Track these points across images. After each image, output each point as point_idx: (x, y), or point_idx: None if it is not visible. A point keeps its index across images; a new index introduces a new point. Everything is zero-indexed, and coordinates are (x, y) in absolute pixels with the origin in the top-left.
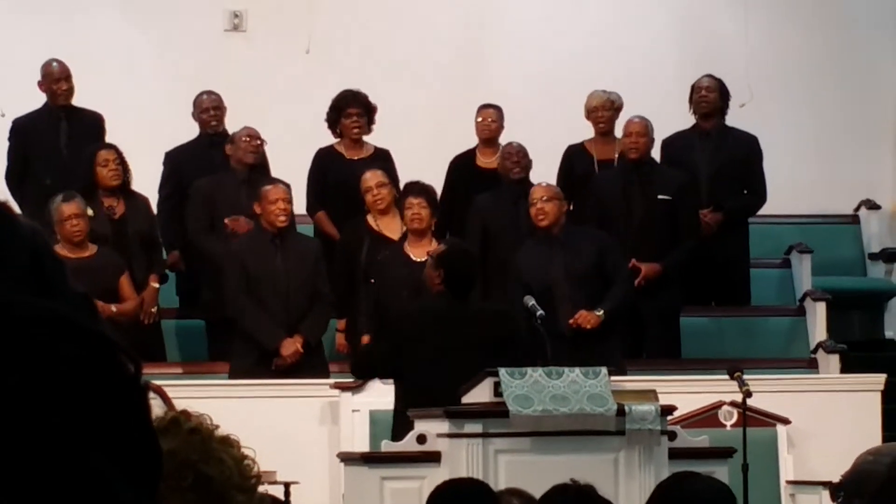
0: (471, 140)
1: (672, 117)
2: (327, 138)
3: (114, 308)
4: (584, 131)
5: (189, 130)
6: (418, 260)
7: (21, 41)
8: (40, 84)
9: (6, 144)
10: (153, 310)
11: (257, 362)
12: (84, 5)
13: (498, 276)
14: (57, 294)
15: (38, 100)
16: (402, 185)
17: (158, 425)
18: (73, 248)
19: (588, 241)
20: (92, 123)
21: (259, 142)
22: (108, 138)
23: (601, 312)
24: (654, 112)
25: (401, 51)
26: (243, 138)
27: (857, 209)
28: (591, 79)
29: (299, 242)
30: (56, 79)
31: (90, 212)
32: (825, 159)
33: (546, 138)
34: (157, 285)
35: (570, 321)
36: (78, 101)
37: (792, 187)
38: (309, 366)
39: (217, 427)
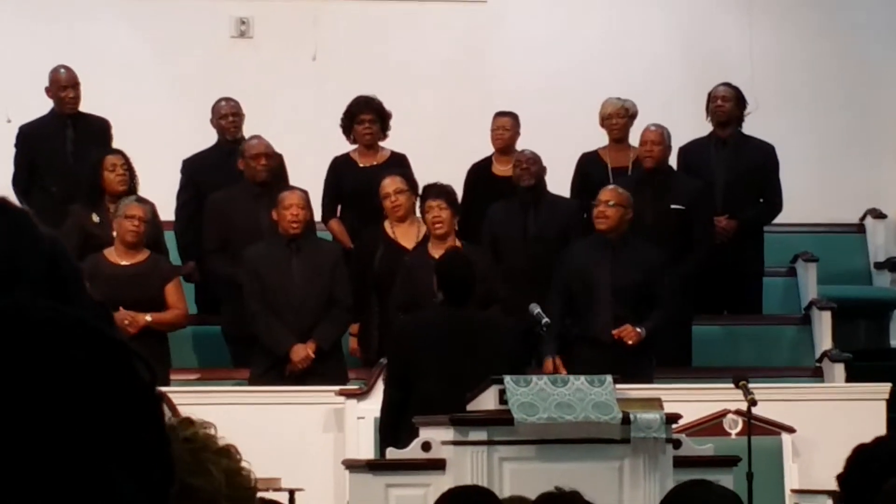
0: (478, 147)
1: (678, 125)
2: (334, 145)
3: (149, 318)
4: (591, 138)
5: (195, 136)
6: None
7: (28, 48)
8: (47, 91)
9: (12, 151)
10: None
11: (272, 368)
12: (91, 12)
13: (508, 285)
14: (73, 301)
15: (45, 106)
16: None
17: None
18: (124, 254)
19: (641, 256)
20: (99, 129)
21: (266, 163)
22: (115, 145)
23: (642, 330)
24: (660, 120)
25: (407, 57)
26: (251, 162)
27: (863, 218)
28: (595, 87)
29: (317, 248)
30: (63, 86)
31: (96, 218)
32: (831, 168)
33: (551, 146)
34: None
35: (614, 332)
36: (85, 107)
37: (798, 196)
38: (326, 372)
39: (214, 437)
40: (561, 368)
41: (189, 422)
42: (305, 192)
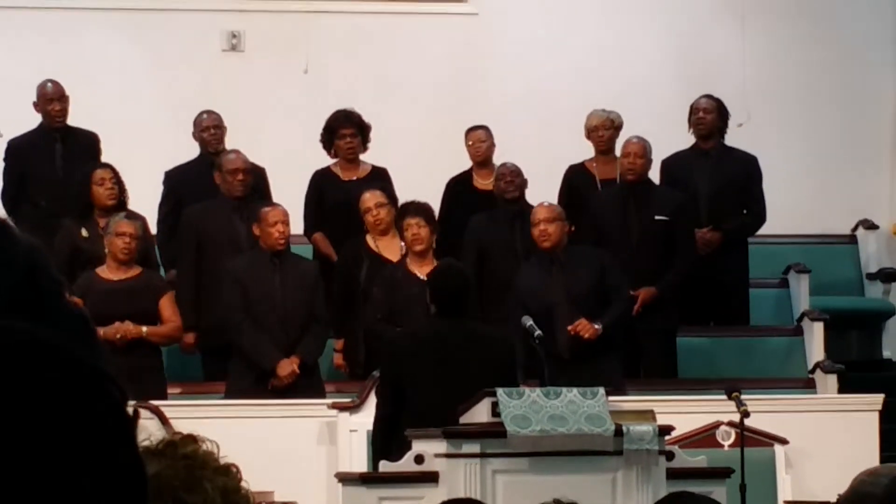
0: (466, 160)
1: (669, 137)
2: (325, 159)
3: (144, 330)
4: (579, 151)
5: (187, 150)
6: (423, 277)
7: (18, 61)
8: (35, 105)
9: (1, 165)
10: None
11: (254, 383)
12: (82, 25)
13: (494, 297)
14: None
15: (35, 120)
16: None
17: (155, 447)
18: (117, 270)
19: (588, 262)
20: (87, 143)
21: (243, 178)
22: (106, 158)
23: (599, 326)
24: (651, 132)
25: (397, 71)
26: (227, 177)
27: (855, 229)
28: (586, 99)
29: (297, 264)
30: (50, 99)
31: (85, 232)
32: (823, 179)
33: (540, 158)
34: None
35: (570, 328)
36: (75, 120)
37: (789, 207)
38: (305, 386)
39: (214, 454)
40: None
41: (191, 439)
42: (285, 208)
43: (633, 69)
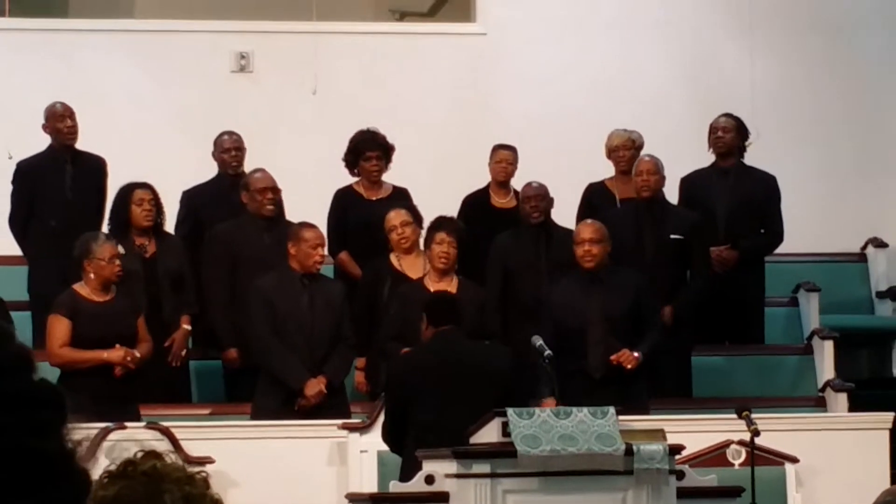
0: (477, 179)
1: (679, 156)
2: (333, 178)
3: (138, 354)
4: (592, 171)
5: (196, 171)
6: None
7: (28, 83)
8: (44, 126)
9: (9, 187)
10: (182, 352)
11: (282, 403)
12: (91, 47)
13: (518, 317)
14: None
15: (43, 143)
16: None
17: (116, 470)
18: (98, 292)
19: (625, 284)
20: (94, 167)
21: (272, 196)
22: (116, 179)
23: (639, 354)
24: (661, 151)
25: (405, 91)
26: (256, 196)
27: (865, 247)
28: (597, 118)
29: (325, 284)
30: (61, 116)
31: (121, 249)
32: (832, 197)
33: (551, 178)
34: (188, 327)
35: (613, 357)
36: (84, 142)
37: (799, 225)
38: (331, 407)
39: (177, 466)
40: None
41: (153, 455)
42: (321, 231)
43: (642, 88)
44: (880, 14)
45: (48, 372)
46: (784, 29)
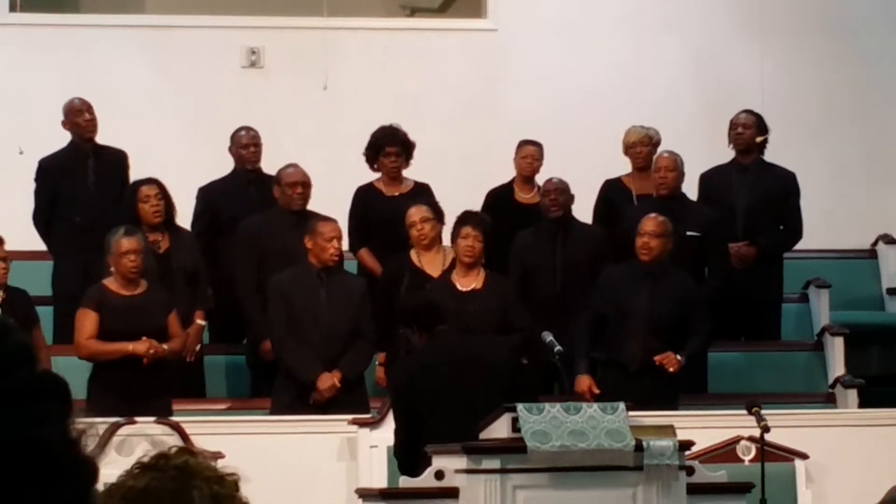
0: (490, 176)
1: (691, 154)
2: (345, 174)
3: (165, 347)
4: (604, 167)
5: (208, 166)
6: (464, 290)
7: (42, 81)
8: (64, 123)
9: (27, 183)
10: (196, 347)
11: (297, 397)
12: (101, 43)
13: (537, 314)
14: None
15: (58, 141)
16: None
17: (148, 461)
18: (126, 285)
19: (677, 285)
20: (116, 161)
21: (302, 191)
22: (130, 175)
23: (683, 358)
24: (674, 148)
25: (416, 86)
26: (287, 190)
27: (875, 244)
28: (608, 116)
29: (344, 280)
30: (79, 110)
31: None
32: (842, 194)
33: (564, 174)
34: (202, 322)
35: (657, 359)
36: (98, 138)
37: (809, 222)
38: (349, 401)
39: (209, 465)
40: (594, 388)
41: (185, 451)
42: (338, 224)
43: (652, 87)
44: (889, 14)
45: (78, 366)
46: (794, 29)
